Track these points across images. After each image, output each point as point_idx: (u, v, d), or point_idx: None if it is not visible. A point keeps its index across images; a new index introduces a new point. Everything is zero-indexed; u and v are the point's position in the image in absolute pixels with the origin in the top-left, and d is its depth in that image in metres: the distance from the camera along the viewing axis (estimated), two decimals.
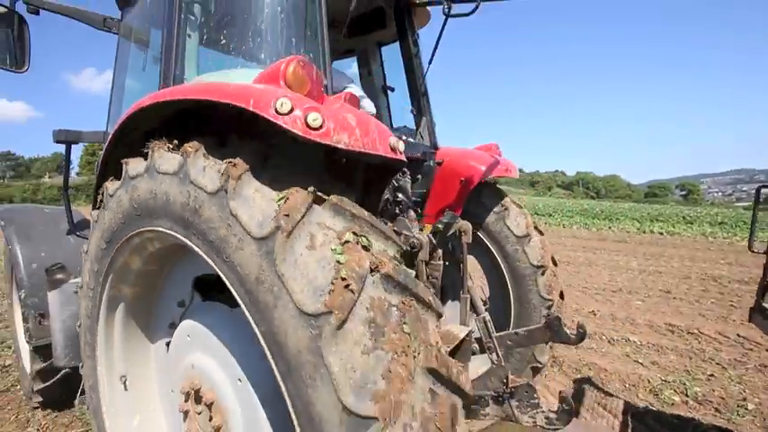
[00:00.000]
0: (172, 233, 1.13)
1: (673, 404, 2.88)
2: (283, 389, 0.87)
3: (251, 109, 0.90)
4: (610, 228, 18.00)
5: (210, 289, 1.36)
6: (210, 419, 1.23)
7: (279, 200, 0.90)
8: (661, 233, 15.93)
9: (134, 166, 1.24)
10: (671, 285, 6.44)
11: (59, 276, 2.23)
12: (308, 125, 0.87)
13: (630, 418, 2.61)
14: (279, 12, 1.53)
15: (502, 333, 2.08)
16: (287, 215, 0.87)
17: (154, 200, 1.15)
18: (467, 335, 1.92)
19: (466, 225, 2.07)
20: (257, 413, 1.11)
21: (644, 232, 16.55)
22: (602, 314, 4.93)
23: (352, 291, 0.84)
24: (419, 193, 2.26)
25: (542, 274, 2.29)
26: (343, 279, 0.84)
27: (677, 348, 3.87)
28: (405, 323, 0.90)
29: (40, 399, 2.59)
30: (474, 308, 2.10)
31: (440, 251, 2.08)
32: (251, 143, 1.08)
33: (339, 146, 0.92)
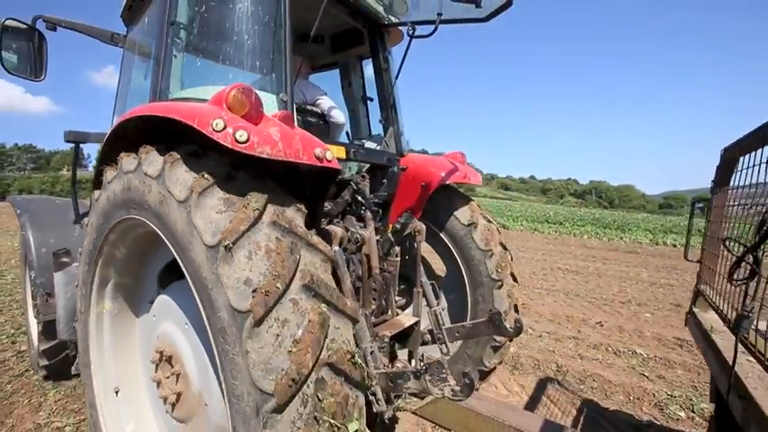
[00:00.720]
0: (149, 224, 1.42)
1: (678, 419, 2.87)
2: (218, 361, 1.14)
3: (196, 126, 1.19)
4: (621, 238, 17.84)
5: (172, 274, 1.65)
6: (172, 374, 1.53)
7: (230, 214, 1.16)
8: (674, 245, 15.71)
9: (127, 161, 1.49)
10: (682, 299, 6.39)
11: (64, 260, 2.57)
12: (236, 140, 1.15)
13: None
14: (247, 39, 1.83)
15: (451, 325, 2.33)
16: (231, 230, 1.12)
17: (139, 194, 1.42)
18: (413, 324, 2.19)
19: (420, 225, 2.33)
20: (202, 355, 1.40)
21: (657, 244, 16.35)
22: (610, 325, 4.95)
23: (272, 297, 1.08)
24: (385, 195, 2.52)
25: (490, 257, 2.52)
26: (267, 286, 1.08)
27: (685, 363, 3.81)
28: (314, 325, 1.12)
29: (46, 364, 2.89)
30: (427, 301, 2.36)
31: (397, 248, 2.36)
32: (221, 156, 1.32)
33: (263, 155, 1.20)
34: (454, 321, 2.57)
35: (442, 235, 2.69)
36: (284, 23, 1.85)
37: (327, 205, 2.19)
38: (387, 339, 1.92)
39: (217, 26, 1.88)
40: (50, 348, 2.76)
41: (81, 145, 2.66)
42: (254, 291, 1.07)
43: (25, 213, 3.03)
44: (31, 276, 2.80)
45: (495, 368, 2.70)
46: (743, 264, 1.33)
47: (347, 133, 3.02)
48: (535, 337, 4.45)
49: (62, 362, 2.83)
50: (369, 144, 2.73)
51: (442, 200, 2.63)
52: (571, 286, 7.19)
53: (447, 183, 2.54)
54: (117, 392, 1.87)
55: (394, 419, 1.90)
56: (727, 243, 1.27)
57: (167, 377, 1.59)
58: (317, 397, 1.10)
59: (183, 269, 1.26)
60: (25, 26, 2.40)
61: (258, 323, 1.07)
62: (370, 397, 1.68)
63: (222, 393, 1.18)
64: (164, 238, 1.33)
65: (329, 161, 1.42)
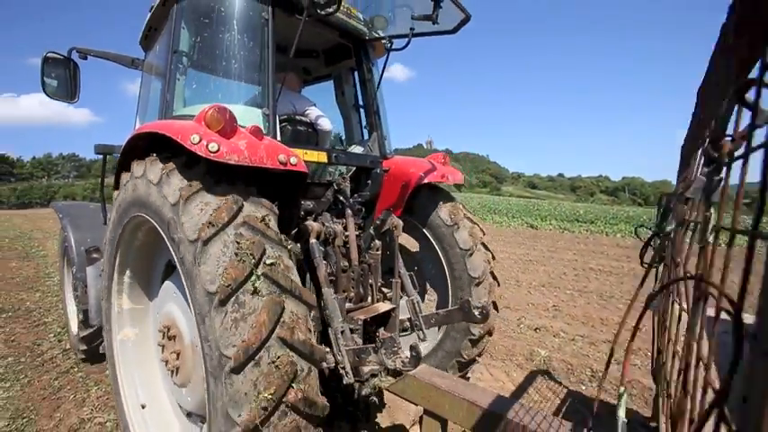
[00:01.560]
0: (152, 221, 1.79)
1: None
2: (197, 329, 1.47)
3: (179, 141, 1.54)
4: None
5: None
6: (173, 345, 1.90)
7: (208, 215, 1.48)
8: (720, 244, 14.92)
9: (137, 168, 1.85)
10: None
11: (95, 256, 3.04)
12: (208, 150, 1.49)
13: None
14: (235, 64, 2.18)
15: (426, 313, 2.59)
16: (207, 228, 1.44)
17: (144, 196, 1.79)
18: (389, 310, 2.48)
19: (397, 221, 2.61)
20: (193, 328, 1.75)
21: None
22: (648, 329, 4.73)
23: (235, 283, 1.37)
24: (369, 195, 2.82)
25: (470, 256, 2.75)
26: (232, 274, 1.37)
27: None
28: (269, 307, 1.40)
29: (84, 348, 3.38)
30: (404, 290, 2.63)
31: (378, 242, 2.65)
32: (209, 165, 1.65)
33: (231, 162, 1.53)
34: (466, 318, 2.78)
35: (425, 232, 2.95)
36: (267, 51, 2.19)
37: (310, 204, 2.52)
38: (359, 322, 2.21)
39: (211, 54, 2.25)
40: (88, 335, 3.23)
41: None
42: (221, 277, 1.39)
43: (66, 217, 3.56)
44: (72, 271, 3.30)
45: (474, 359, 2.93)
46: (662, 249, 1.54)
47: (341, 139, 3.34)
48: (568, 341, 4.42)
49: (97, 346, 3.31)
50: (358, 148, 3.04)
51: (426, 199, 2.88)
52: (605, 288, 7.06)
53: (433, 183, 2.79)
54: (133, 362, 2.27)
55: (373, 399, 2.19)
56: (637, 230, 1.48)
57: (170, 348, 1.96)
58: (268, 363, 1.39)
59: (175, 259, 1.61)
60: (62, 57, 2.89)
61: (222, 303, 1.37)
62: (340, 370, 1.98)
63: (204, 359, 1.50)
64: (161, 232, 1.69)
65: (293, 165, 1.73)
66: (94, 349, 3.30)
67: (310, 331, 1.56)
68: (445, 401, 1.94)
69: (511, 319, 5.15)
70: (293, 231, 2.19)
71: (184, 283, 1.54)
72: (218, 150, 1.48)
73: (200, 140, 1.48)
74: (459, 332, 2.83)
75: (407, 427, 2.67)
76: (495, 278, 2.86)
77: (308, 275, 2.24)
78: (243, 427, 1.31)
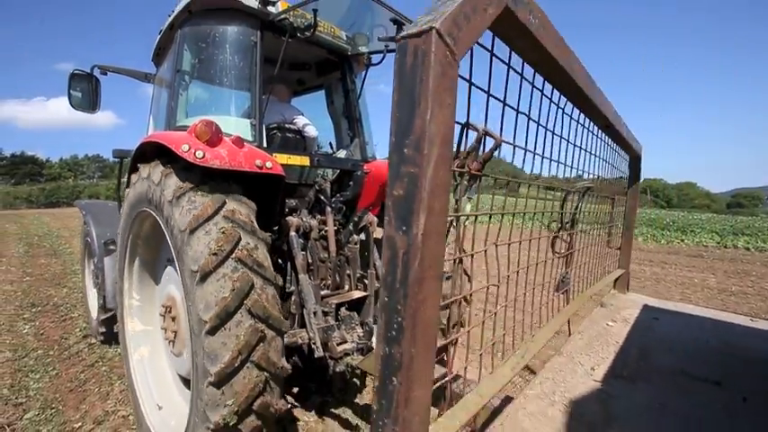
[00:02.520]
0: (154, 215, 2.20)
1: None
2: (186, 298, 1.87)
3: (173, 149, 1.94)
4: (683, 240, 16.79)
5: None
6: (172, 320, 2.32)
7: (196, 210, 1.87)
8: (747, 248, 14.38)
9: (143, 171, 2.26)
10: (759, 309, 5.88)
11: (111, 247, 3.52)
12: (195, 156, 1.88)
13: None
14: (227, 82, 2.59)
15: None
16: (194, 221, 1.81)
17: (148, 193, 2.21)
18: (363, 297, 2.84)
19: (372, 218, 2.97)
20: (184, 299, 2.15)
21: (725, 247, 15.14)
22: None
23: (212, 264, 1.75)
24: (350, 194, 3.18)
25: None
26: (211, 258, 1.75)
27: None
28: (240, 284, 1.76)
29: (104, 331, 3.86)
30: (378, 280, 2.98)
31: (356, 236, 3.02)
32: (202, 169, 2.03)
33: (214, 166, 1.92)
34: None
35: None
36: (256, 69, 2.59)
37: (294, 202, 2.90)
38: (333, 306, 2.58)
39: (208, 72, 2.67)
40: (106, 319, 3.70)
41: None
42: (202, 259, 1.78)
43: (88, 214, 4.08)
44: (94, 261, 3.79)
45: (446, 347, 3.24)
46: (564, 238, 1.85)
47: (330, 144, 3.73)
48: None
49: (114, 329, 3.79)
50: (343, 153, 3.41)
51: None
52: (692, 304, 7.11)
53: None
54: (140, 334, 2.71)
55: (346, 375, 2.56)
56: (549, 225, 1.80)
57: (169, 322, 2.38)
58: (237, 327, 1.77)
59: (171, 246, 2.01)
60: (85, 73, 3.38)
61: (203, 279, 1.75)
62: (312, 345, 2.36)
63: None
64: (161, 225, 2.10)
65: (269, 168, 2.12)
66: (112, 332, 3.78)
67: (277, 306, 1.94)
68: None
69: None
70: (275, 226, 2.58)
71: (177, 266, 1.95)
72: (203, 157, 1.88)
73: (190, 149, 1.88)
74: None
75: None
76: (467, 274, 3.16)
77: (288, 264, 2.62)
78: (215, 378, 1.69)
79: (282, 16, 2.59)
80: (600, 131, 1.87)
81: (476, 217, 1.03)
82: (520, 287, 1.41)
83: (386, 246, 0.59)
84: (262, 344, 1.82)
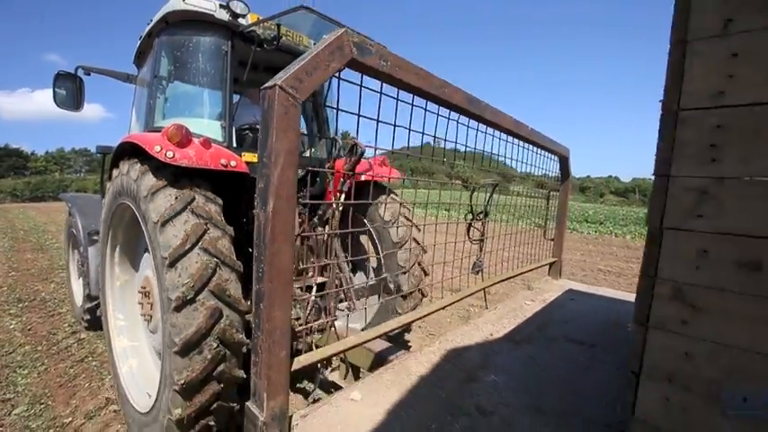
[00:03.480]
0: (132, 207, 2.56)
1: None
2: (159, 278, 2.23)
3: (147, 149, 2.29)
4: None
5: None
6: (148, 301, 2.68)
7: (167, 205, 2.23)
8: None
9: (123, 167, 2.62)
10: None
11: (95, 238, 3.87)
12: (166, 156, 2.24)
13: None
14: (200, 87, 2.95)
15: (355, 286, 3.31)
16: (165, 214, 2.17)
17: (127, 187, 2.56)
18: (323, 282, 3.21)
19: (335, 212, 3.33)
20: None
21: None
22: None
23: (180, 251, 2.09)
24: (316, 191, 3.54)
25: (400, 248, 3.44)
26: (179, 246, 2.09)
27: None
28: (203, 269, 2.11)
29: (89, 318, 4.21)
30: (340, 268, 3.35)
31: (320, 229, 3.38)
32: (175, 168, 2.40)
33: (182, 165, 2.27)
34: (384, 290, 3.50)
35: (366, 222, 3.66)
36: (226, 75, 2.95)
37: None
38: (295, 290, 2.95)
39: (183, 78, 3.03)
40: (91, 307, 4.06)
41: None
42: (171, 248, 2.14)
43: (74, 206, 4.42)
44: (79, 251, 4.14)
45: (402, 333, 3.62)
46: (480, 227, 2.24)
47: (302, 143, 4.08)
48: None
49: (98, 315, 4.14)
50: (313, 152, 3.77)
51: (368, 195, 3.58)
52: (613, 288, 7.54)
53: (377, 182, 3.50)
54: (119, 315, 3.07)
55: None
56: (466, 216, 2.18)
57: (146, 303, 2.74)
58: (200, 306, 2.12)
59: (146, 235, 2.36)
60: (70, 73, 3.72)
61: (171, 265, 2.10)
62: None
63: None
64: (138, 216, 2.46)
65: (233, 167, 2.48)
66: (96, 318, 4.14)
67: (238, 288, 2.29)
68: (355, 352, 2.67)
69: None
70: (243, 218, 2.94)
71: (151, 252, 2.31)
72: (173, 157, 2.24)
73: (161, 149, 2.24)
74: (388, 311, 3.52)
75: (327, 373, 3.36)
76: (422, 269, 3.54)
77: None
78: (179, 348, 2.05)
79: (251, 28, 2.94)
80: (521, 141, 2.24)
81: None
82: (440, 265, 1.78)
83: (255, 219, 0.96)
84: (222, 320, 2.18)
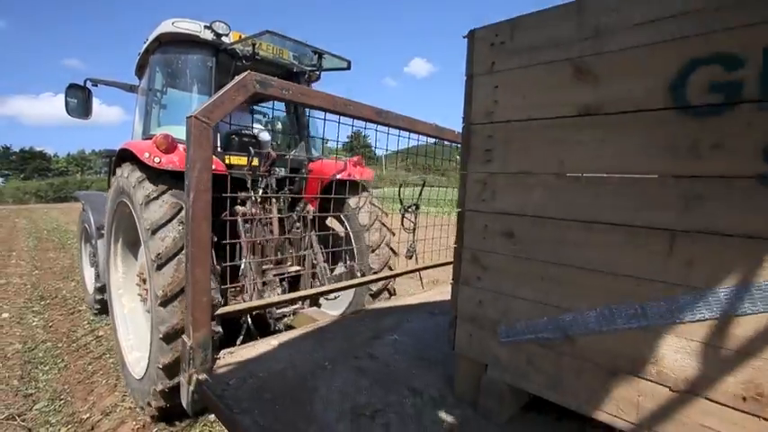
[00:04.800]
0: (130, 207, 3.11)
1: None
2: (145, 246, 2.77)
3: (138, 156, 2.83)
4: None
5: None
6: (144, 283, 3.23)
7: (160, 212, 2.77)
8: None
9: (123, 170, 3.23)
10: None
11: (103, 231, 4.48)
12: (154, 162, 2.78)
13: None
14: (189, 96, 3.50)
15: (329, 275, 3.79)
16: (156, 222, 2.70)
17: (126, 190, 3.12)
18: (298, 270, 3.70)
19: (309, 208, 3.83)
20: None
21: None
22: None
23: (166, 258, 2.64)
24: (296, 188, 4.04)
25: (367, 230, 3.89)
26: (167, 250, 2.64)
27: None
28: (180, 236, 2.70)
29: (99, 307, 4.85)
30: (315, 258, 3.84)
31: (298, 223, 3.88)
32: (169, 174, 2.93)
33: (168, 168, 2.80)
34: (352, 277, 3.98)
35: (341, 216, 4.14)
36: (212, 86, 3.49)
37: (243, 194, 3.78)
38: (271, 276, 3.45)
39: (174, 90, 3.59)
40: (101, 292, 4.68)
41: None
42: (160, 254, 2.65)
43: (87, 203, 5.08)
44: (91, 243, 4.78)
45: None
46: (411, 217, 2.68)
47: (288, 145, 4.59)
48: None
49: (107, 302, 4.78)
50: (295, 154, 4.27)
51: (342, 192, 4.06)
52: None
53: (344, 179, 3.98)
54: (122, 298, 3.64)
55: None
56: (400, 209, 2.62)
57: (142, 287, 3.30)
58: (180, 302, 2.64)
59: (140, 233, 2.90)
60: (79, 85, 4.35)
61: (159, 268, 2.61)
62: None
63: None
64: (134, 214, 3.01)
65: (213, 169, 2.99)
66: (106, 304, 4.76)
67: (217, 288, 2.80)
68: (300, 319, 3.15)
69: None
70: (224, 212, 3.45)
71: (144, 248, 2.85)
72: (159, 162, 2.78)
73: (150, 156, 2.79)
74: (363, 292, 3.98)
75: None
76: (392, 249, 3.99)
77: (237, 245, 3.51)
78: (163, 335, 2.57)
79: (232, 45, 3.47)
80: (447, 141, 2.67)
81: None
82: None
83: (185, 206, 1.45)
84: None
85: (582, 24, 1.11)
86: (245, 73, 1.53)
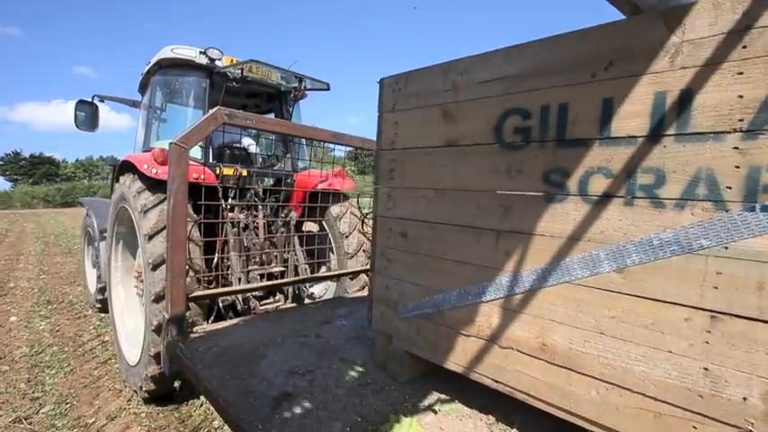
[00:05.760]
0: (129, 211, 3.63)
1: None
2: (143, 252, 3.28)
3: (137, 167, 3.35)
4: None
5: None
6: (140, 278, 3.74)
7: (155, 220, 3.28)
8: None
9: (124, 180, 3.76)
10: None
11: (105, 234, 5.02)
12: (152, 173, 3.29)
13: None
14: (184, 113, 4.03)
15: (306, 276, 4.25)
16: (153, 228, 3.23)
17: (127, 197, 3.64)
18: (281, 271, 4.18)
19: (293, 214, 4.32)
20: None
21: None
22: None
23: (157, 231, 3.18)
24: (282, 197, 4.53)
25: (347, 238, 4.35)
26: (160, 256, 3.15)
27: None
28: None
29: (99, 306, 5.37)
30: (297, 260, 4.32)
31: (282, 228, 4.37)
32: (156, 180, 3.45)
33: (164, 179, 3.30)
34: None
35: (323, 223, 4.62)
36: (205, 104, 4.03)
37: (232, 201, 4.29)
38: (255, 275, 3.92)
39: (172, 107, 4.12)
40: (102, 291, 5.20)
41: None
42: (154, 256, 3.15)
43: (91, 208, 5.64)
44: (94, 246, 5.33)
45: None
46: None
47: (276, 156, 5.10)
48: None
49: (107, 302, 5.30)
50: (281, 165, 4.78)
51: (326, 200, 4.54)
52: None
53: (326, 189, 4.47)
54: (120, 292, 4.15)
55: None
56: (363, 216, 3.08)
57: (139, 283, 3.80)
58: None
59: (138, 236, 3.41)
60: (88, 101, 4.92)
61: (153, 269, 3.15)
62: (235, 300, 3.71)
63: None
64: (133, 219, 3.52)
65: (203, 179, 3.50)
66: (105, 303, 5.28)
67: (200, 259, 3.29)
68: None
69: None
70: (213, 216, 3.95)
71: (137, 232, 3.34)
72: (156, 173, 3.29)
73: (148, 167, 3.31)
74: (342, 289, 4.43)
75: None
76: (366, 237, 4.43)
77: (227, 246, 4.00)
78: (155, 296, 3.05)
79: (223, 70, 4.00)
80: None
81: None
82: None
83: (167, 210, 1.94)
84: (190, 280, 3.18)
85: (446, 80, 1.58)
86: (215, 108, 2.03)
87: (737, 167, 1.00)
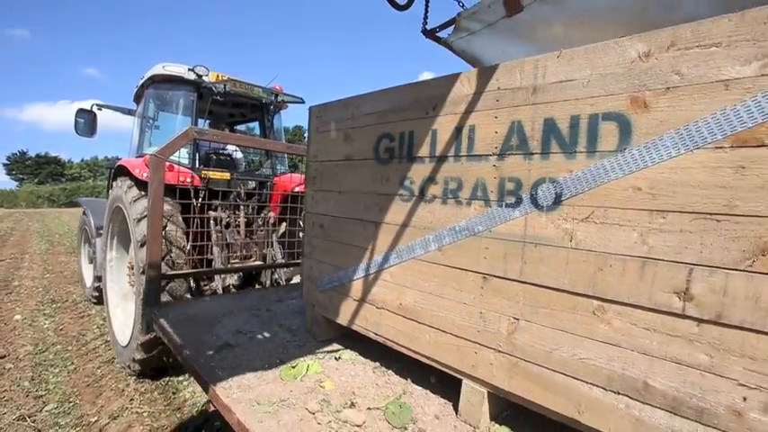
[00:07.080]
0: (123, 209, 4.33)
1: None
2: (135, 253, 3.97)
3: (131, 171, 4.04)
4: None
5: None
6: (132, 270, 4.43)
7: (142, 209, 3.98)
8: None
9: (119, 182, 4.49)
10: None
11: (101, 231, 5.73)
12: (142, 176, 3.99)
13: None
14: (174, 123, 4.74)
15: (285, 270, 4.90)
16: (139, 216, 3.93)
17: (121, 196, 4.35)
18: (258, 264, 4.84)
19: (271, 215, 4.98)
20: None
21: None
22: None
23: (142, 216, 3.86)
24: (262, 198, 5.20)
25: None
26: (142, 215, 3.87)
27: None
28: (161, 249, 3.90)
29: (96, 296, 6.08)
30: (274, 254, 4.97)
31: (262, 227, 5.03)
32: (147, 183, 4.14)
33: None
34: None
35: (299, 221, 5.28)
36: (193, 115, 4.73)
37: (217, 201, 4.97)
38: (235, 266, 4.58)
39: (162, 115, 4.83)
40: (98, 286, 5.92)
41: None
42: (142, 235, 3.83)
43: (88, 207, 6.39)
44: (90, 242, 6.06)
45: None
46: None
47: (260, 162, 5.78)
48: None
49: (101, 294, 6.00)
50: (263, 170, 5.46)
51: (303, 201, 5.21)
52: None
53: (302, 192, 5.12)
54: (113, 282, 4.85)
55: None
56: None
57: (131, 274, 4.48)
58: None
59: (129, 228, 4.10)
60: (87, 109, 5.67)
61: (141, 246, 3.83)
62: (218, 291, 4.37)
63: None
64: (126, 215, 4.21)
65: (189, 182, 4.18)
66: (101, 294, 5.99)
67: (183, 243, 3.95)
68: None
69: None
70: (200, 215, 4.62)
71: (132, 239, 4.04)
72: (145, 176, 3.97)
73: (140, 172, 4.00)
74: None
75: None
76: None
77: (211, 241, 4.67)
78: (142, 268, 3.71)
79: (209, 85, 4.69)
80: None
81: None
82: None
83: (147, 208, 2.61)
84: (170, 254, 3.83)
85: (347, 111, 2.25)
86: (187, 127, 2.69)
87: (495, 178, 1.62)
